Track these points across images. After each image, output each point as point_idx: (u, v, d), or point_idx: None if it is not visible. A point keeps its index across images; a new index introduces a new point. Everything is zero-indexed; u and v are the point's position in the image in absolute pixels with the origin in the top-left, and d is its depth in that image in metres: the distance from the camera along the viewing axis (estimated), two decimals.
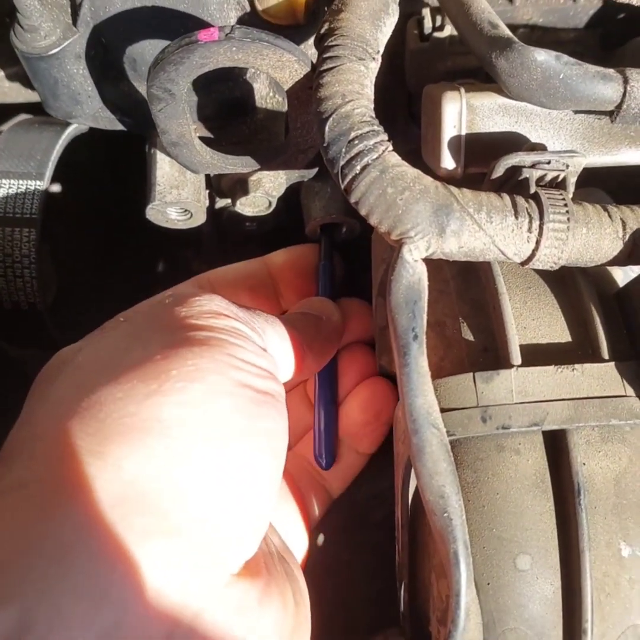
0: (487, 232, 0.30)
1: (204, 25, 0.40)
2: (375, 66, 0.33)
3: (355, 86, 0.31)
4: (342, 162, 0.30)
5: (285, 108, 0.44)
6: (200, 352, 0.28)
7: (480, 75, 0.44)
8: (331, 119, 0.31)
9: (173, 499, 0.26)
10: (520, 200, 0.31)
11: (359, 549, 0.44)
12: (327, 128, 0.31)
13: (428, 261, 0.31)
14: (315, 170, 0.45)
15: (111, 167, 0.58)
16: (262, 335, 0.34)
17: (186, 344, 0.29)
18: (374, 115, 0.31)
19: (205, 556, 0.26)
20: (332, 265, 0.47)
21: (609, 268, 0.37)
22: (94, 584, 0.23)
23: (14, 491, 0.24)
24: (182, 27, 0.40)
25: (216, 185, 0.47)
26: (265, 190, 0.44)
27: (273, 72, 0.34)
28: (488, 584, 0.30)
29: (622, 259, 0.32)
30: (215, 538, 0.27)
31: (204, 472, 0.27)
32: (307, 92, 0.35)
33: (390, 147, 0.31)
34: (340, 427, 0.44)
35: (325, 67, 0.32)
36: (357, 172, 0.30)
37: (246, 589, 0.28)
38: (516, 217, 0.30)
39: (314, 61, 0.34)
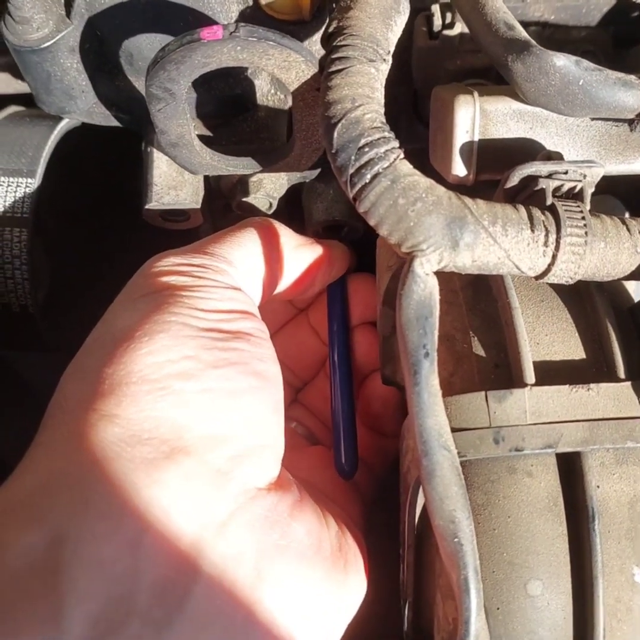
0: (502, 245, 0.29)
1: (204, 19, 0.38)
2: (386, 68, 0.32)
3: (365, 90, 0.30)
4: (351, 171, 0.29)
5: (287, 106, 0.43)
6: (160, 311, 0.31)
7: (491, 76, 0.42)
8: (340, 124, 0.29)
9: (168, 429, 0.29)
10: (536, 212, 0.29)
11: None
12: (335, 134, 0.29)
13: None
14: (318, 171, 0.44)
15: (107, 162, 0.56)
16: (233, 268, 0.35)
17: (146, 310, 0.31)
18: (384, 121, 0.30)
19: (219, 471, 0.29)
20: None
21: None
22: (112, 507, 0.26)
23: (38, 446, 0.29)
24: (181, 20, 0.38)
25: (215, 185, 0.45)
26: (266, 191, 0.43)
27: (279, 72, 0.32)
28: (498, 608, 0.29)
29: None
30: (224, 453, 0.29)
31: (188, 401, 0.29)
32: (314, 93, 0.34)
33: (402, 155, 0.29)
34: (361, 414, 0.43)
35: (333, 68, 0.30)
36: (367, 181, 0.28)
37: (275, 501, 0.31)
38: (532, 231, 0.29)
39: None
